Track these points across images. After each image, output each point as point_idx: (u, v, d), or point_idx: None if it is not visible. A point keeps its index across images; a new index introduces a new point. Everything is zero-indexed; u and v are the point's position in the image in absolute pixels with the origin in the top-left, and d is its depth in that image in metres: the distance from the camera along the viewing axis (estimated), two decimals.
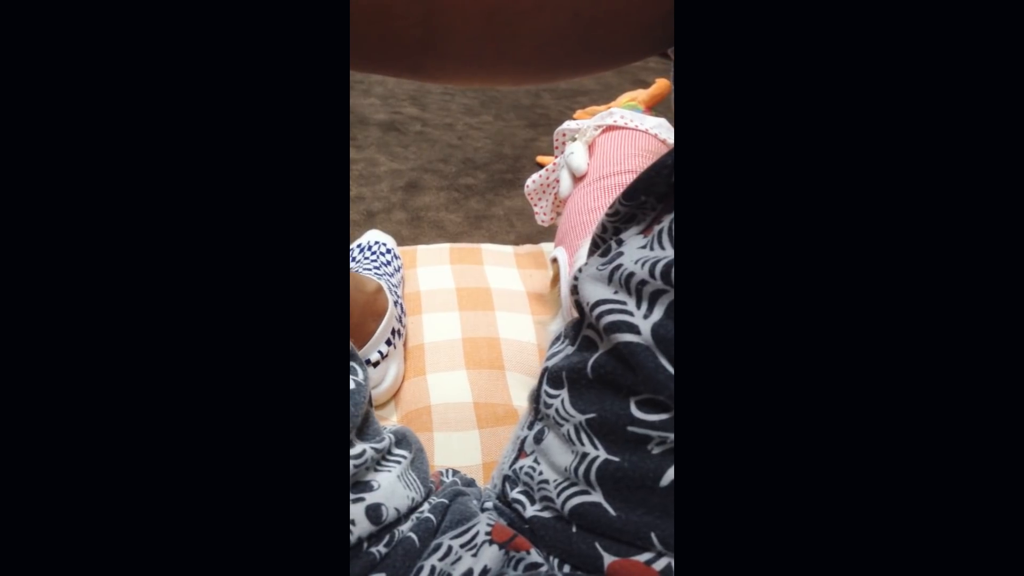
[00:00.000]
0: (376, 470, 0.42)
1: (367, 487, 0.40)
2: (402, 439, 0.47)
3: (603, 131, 0.98)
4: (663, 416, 0.35)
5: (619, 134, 0.95)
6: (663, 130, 0.98)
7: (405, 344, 1.03)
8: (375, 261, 1.08)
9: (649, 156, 0.92)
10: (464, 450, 0.89)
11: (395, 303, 0.99)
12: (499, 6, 0.29)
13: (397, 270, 1.12)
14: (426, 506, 0.43)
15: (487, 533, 0.40)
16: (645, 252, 0.37)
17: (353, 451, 0.40)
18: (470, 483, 0.52)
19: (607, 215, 0.43)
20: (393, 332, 0.97)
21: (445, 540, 0.40)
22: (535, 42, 0.30)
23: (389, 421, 0.97)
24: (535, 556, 0.39)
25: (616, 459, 0.36)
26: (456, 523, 0.42)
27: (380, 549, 0.39)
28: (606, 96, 2.11)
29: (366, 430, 0.44)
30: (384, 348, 0.95)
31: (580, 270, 0.42)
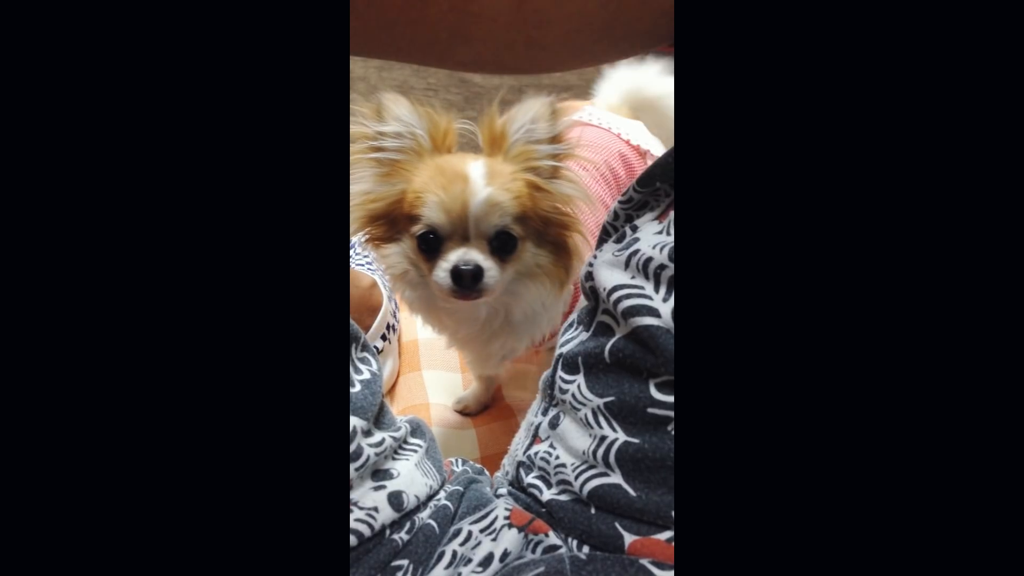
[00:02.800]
0: (395, 458, 0.42)
1: (387, 475, 0.40)
2: (417, 428, 0.47)
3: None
4: None
5: (590, 130, 0.96)
6: (636, 134, 0.98)
7: (399, 339, 1.04)
8: (367, 256, 1.08)
9: (605, 153, 0.91)
10: (461, 446, 0.90)
11: (389, 298, 0.99)
12: None
13: None
14: (442, 493, 0.44)
15: (505, 517, 0.41)
16: (662, 237, 0.38)
17: (373, 439, 0.40)
18: (480, 471, 0.52)
19: (619, 202, 0.44)
20: (388, 327, 0.97)
21: (464, 525, 0.41)
22: (564, 28, 0.31)
23: None
24: (554, 538, 0.40)
25: (636, 441, 0.37)
26: (473, 509, 0.43)
27: (402, 536, 0.39)
28: (588, 92, 2.12)
29: (383, 419, 0.44)
30: (379, 343, 0.95)
31: (594, 256, 0.42)
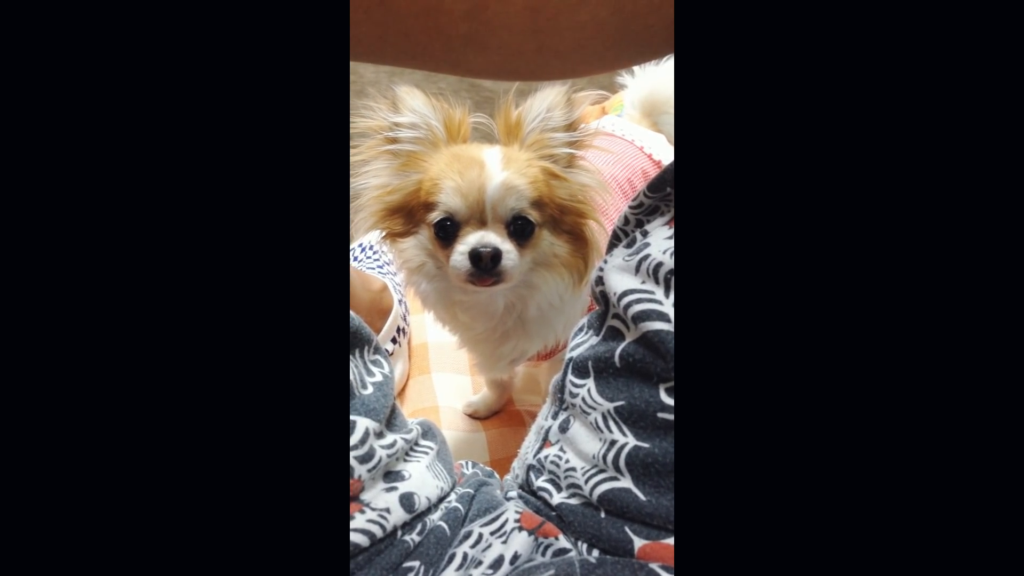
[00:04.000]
0: (406, 460, 0.42)
1: (399, 476, 0.41)
2: (428, 431, 0.47)
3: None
4: None
5: (613, 142, 0.96)
6: (659, 147, 0.98)
7: (409, 342, 1.04)
8: (378, 260, 1.08)
9: (629, 171, 0.91)
10: (471, 450, 0.90)
11: (399, 301, 1.00)
12: (544, 1, 0.29)
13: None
14: (453, 495, 0.44)
15: (516, 520, 0.41)
16: (672, 242, 0.38)
17: (385, 441, 0.41)
18: (490, 474, 0.52)
19: (630, 207, 0.44)
20: (398, 330, 0.98)
21: (475, 528, 0.41)
22: (576, 36, 0.31)
23: None
24: (564, 542, 0.40)
25: (646, 445, 0.37)
26: (483, 511, 0.43)
27: (413, 537, 0.39)
28: (610, 85, 2.11)
29: (394, 421, 0.44)
30: (390, 346, 0.96)
31: (605, 261, 0.42)
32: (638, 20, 0.31)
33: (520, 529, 0.40)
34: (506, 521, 0.41)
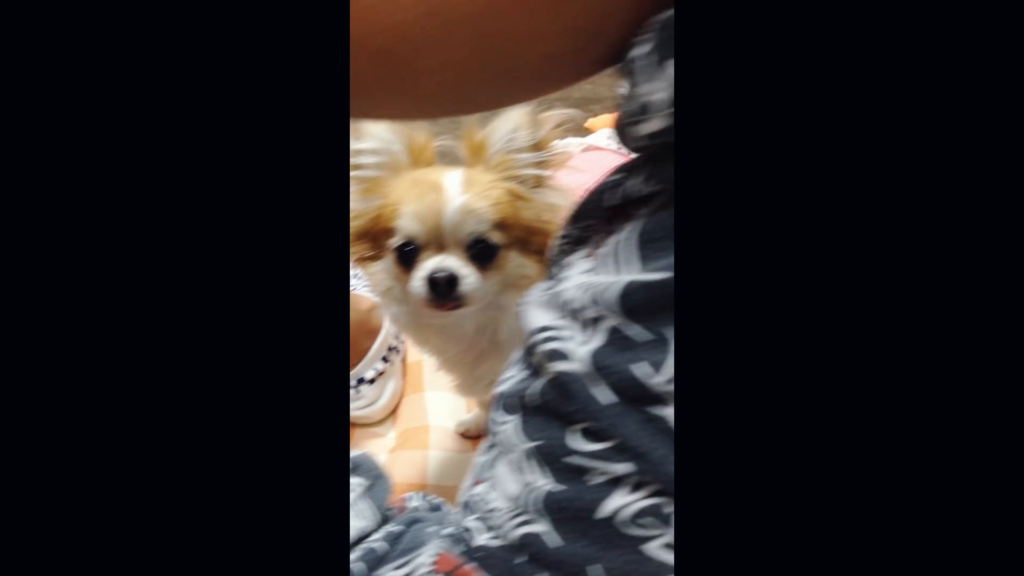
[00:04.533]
0: None
1: None
2: (358, 467, 0.46)
3: (584, 149, 0.97)
4: (599, 446, 0.34)
5: (600, 155, 0.94)
6: None
7: (404, 360, 1.04)
8: None
9: None
10: (460, 471, 0.89)
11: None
12: (385, 46, 0.28)
13: None
14: (378, 534, 0.43)
15: (431, 564, 0.40)
16: (589, 277, 0.36)
17: None
18: (436, 507, 0.51)
19: (560, 237, 0.42)
20: (390, 349, 0.98)
21: (386, 571, 0.40)
22: (438, 77, 0.30)
23: (387, 438, 0.97)
24: None
25: (561, 488, 0.36)
26: (406, 551, 0.42)
27: None
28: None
29: None
30: (380, 365, 0.95)
31: (525, 295, 0.41)
32: (505, 57, 0.29)
33: (433, 574, 0.39)
34: (418, 565, 0.40)
